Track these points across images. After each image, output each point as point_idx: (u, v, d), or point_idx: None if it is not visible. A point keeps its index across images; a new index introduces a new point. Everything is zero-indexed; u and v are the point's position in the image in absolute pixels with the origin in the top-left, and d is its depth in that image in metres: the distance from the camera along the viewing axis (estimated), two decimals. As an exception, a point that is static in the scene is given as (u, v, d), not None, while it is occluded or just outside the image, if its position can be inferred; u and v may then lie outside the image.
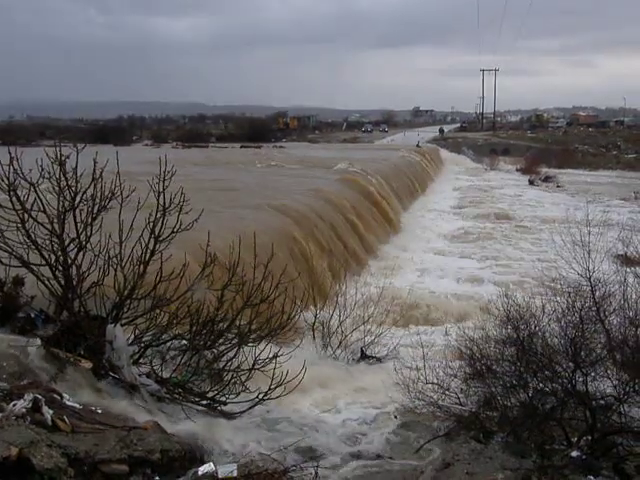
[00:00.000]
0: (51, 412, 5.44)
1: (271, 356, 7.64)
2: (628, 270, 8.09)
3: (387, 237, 23.38)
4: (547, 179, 46.99)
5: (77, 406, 5.98)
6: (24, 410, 5.26)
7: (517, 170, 55.38)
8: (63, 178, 7.32)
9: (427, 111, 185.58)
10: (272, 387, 7.44)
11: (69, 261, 7.36)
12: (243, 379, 7.65)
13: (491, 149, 68.52)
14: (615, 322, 7.00)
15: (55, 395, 5.95)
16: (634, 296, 7.29)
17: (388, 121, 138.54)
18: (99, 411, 6.10)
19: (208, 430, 6.59)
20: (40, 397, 5.47)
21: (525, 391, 6.87)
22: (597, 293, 7.14)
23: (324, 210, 19.93)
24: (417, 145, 61.10)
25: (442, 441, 7.09)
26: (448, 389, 7.51)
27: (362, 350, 11.09)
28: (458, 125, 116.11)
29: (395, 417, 8.06)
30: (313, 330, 11.16)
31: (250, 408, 7.53)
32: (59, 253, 7.35)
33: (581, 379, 6.56)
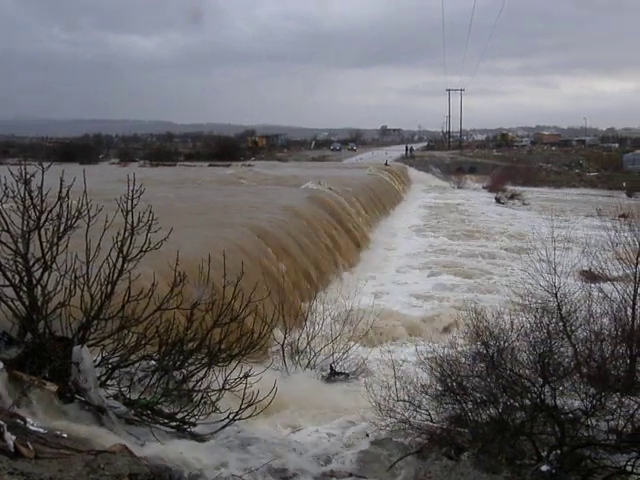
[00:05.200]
0: (14, 438, 5.26)
1: (241, 376, 7.56)
2: (592, 285, 8.27)
3: (355, 255, 23.46)
4: (513, 196, 47.88)
5: (41, 431, 5.80)
6: (-15, 436, 5.09)
7: (484, 188, 56.42)
8: (28, 197, 7.18)
9: (395, 130, 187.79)
10: (242, 407, 7.35)
11: (34, 281, 7.20)
12: (213, 399, 7.54)
13: (458, 167, 69.61)
14: (581, 337, 7.14)
15: (18, 420, 5.77)
16: (599, 311, 7.45)
17: (356, 140, 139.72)
18: (65, 435, 5.92)
19: (178, 452, 6.46)
20: (2, 423, 5.30)
21: (495, 406, 6.92)
22: (564, 308, 7.28)
23: (294, 228, 19.95)
24: (385, 164, 61.71)
25: (414, 458, 7.07)
26: (419, 406, 7.52)
27: (331, 367, 11.08)
28: (425, 144, 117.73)
29: (367, 435, 8.03)
30: (283, 348, 11.11)
31: (221, 429, 7.42)
32: (23, 273, 7.18)
33: (550, 393, 6.65)
